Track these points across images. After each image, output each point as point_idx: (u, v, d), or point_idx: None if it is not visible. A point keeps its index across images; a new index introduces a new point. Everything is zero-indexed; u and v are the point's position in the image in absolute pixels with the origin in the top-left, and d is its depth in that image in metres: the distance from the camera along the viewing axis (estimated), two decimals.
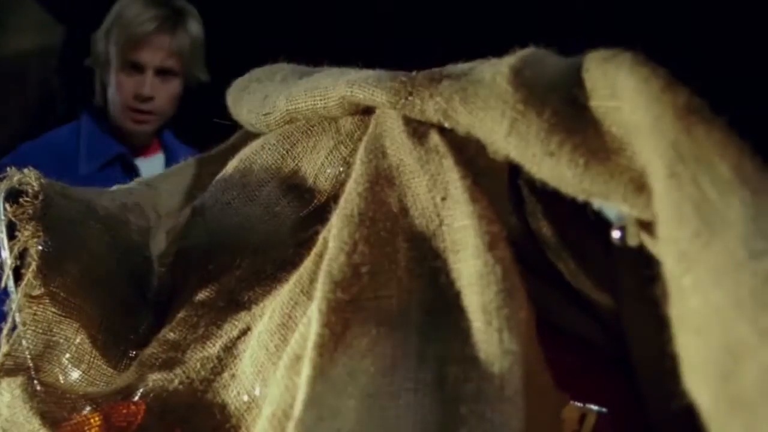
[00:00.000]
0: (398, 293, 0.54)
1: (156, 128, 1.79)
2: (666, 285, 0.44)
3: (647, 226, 0.50)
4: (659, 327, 0.54)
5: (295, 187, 0.70)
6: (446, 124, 0.58)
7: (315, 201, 0.68)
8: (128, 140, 1.79)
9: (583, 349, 0.61)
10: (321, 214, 0.66)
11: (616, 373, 0.61)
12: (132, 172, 1.67)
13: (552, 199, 0.63)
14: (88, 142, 1.74)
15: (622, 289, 0.59)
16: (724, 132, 0.44)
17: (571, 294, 0.64)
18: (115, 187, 0.83)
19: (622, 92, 0.50)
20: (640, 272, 0.59)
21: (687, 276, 0.41)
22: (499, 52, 0.62)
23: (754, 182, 0.41)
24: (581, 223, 0.63)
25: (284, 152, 0.71)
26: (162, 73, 1.71)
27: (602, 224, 0.60)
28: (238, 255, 0.67)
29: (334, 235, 0.56)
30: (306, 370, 0.50)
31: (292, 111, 0.71)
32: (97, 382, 0.66)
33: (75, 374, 0.65)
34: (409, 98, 0.60)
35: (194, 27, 1.72)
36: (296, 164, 0.70)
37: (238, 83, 0.86)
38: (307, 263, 0.59)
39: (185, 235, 0.73)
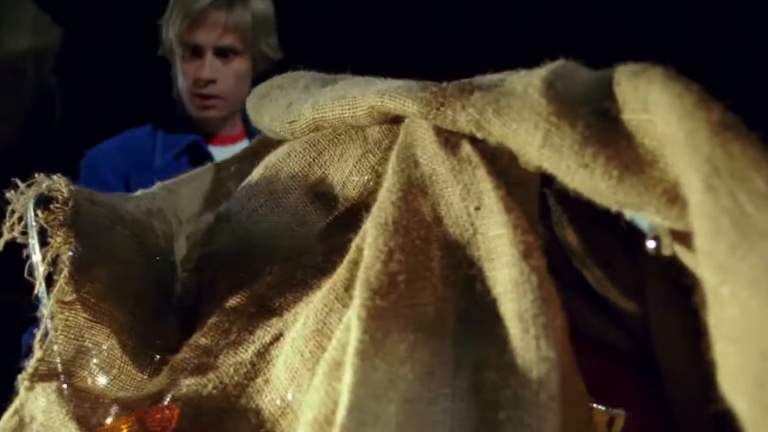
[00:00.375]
0: (434, 301, 0.56)
1: (226, 113, 1.72)
2: (703, 294, 0.46)
3: (680, 236, 0.52)
4: (686, 334, 0.56)
5: (322, 194, 0.72)
6: (478, 135, 0.60)
7: (343, 208, 0.70)
8: (201, 128, 1.75)
9: (608, 355, 0.64)
10: (350, 222, 0.68)
11: (641, 378, 0.63)
12: (205, 161, 1.58)
13: (577, 208, 0.65)
14: (163, 134, 1.73)
15: (649, 297, 0.61)
16: (759, 147, 0.46)
17: (596, 300, 0.66)
18: (139, 192, 0.84)
19: (655, 106, 0.52)
20: (667, 281, 0.61)
21: (724, 286, 0.44)
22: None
23: None
24: (606, 232, 0.65)
25: (311, 160, 0.73)
26: (222, 53, 1.65)
27: (628, 234, 0.62)
28: (267, 261, 0.69)
29: (369, 243, 0.58)
30: (348, 376, 0.51)
31: (318, 119, 0.73)
32: (128, 387, 0.68)
33: (106, 379, 0.67)
34: (441, 109, 0.62)
35: (257, 1, 1.67)
36: (323, 172, 0.72)
37: (259, 90, 0.88)
38: (341, 271, 0.61)
39: (210, 241, 0.75)
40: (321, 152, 0.73)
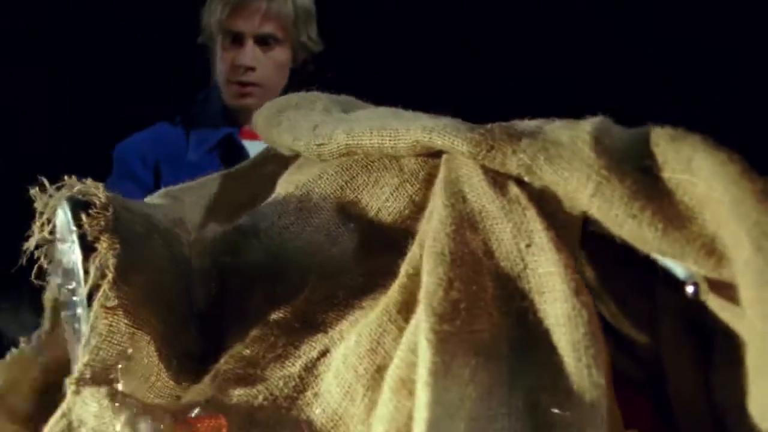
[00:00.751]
0: (489, 327, 0.63)
1: (263, 103, 1.71)
2: (747, 337, 0.56)
3: (711, 284, 0.62)
4: (696, 368, 0.66)
5: (354, 217, 0.77)
6: (527, 179, 0.68)
7: (377, 233, 0.76)
8: (236, 121, 1.74)
9: (622, 383, 0.72)
10: (386, 246, 0.74)
11: (651, 406, 0.72)
12: (238, 155, 1.57)
13: (595, 248, 0.74)
14: (196, 127, 1.73)
15: (663, 333, 0.71)
16: None
17: (609, 332, 0.75)
18: (147, 199, 0.87)
19: (699, 170, 0.61)
20: (680, 320, 0.71)
21: None
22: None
23: None
24: (623, 273, 0.74)
25: (343, 183, 0.79)
26: (263, 41, 1.69)
27: (643, 276, 0.72)
28: (303, 278, 0.74)
29: (428, 272, 0.64)
30: (424, 395, 0.58)
31: (353, 146, 0.78)
32: (163, 395, 0.71)
33: (145, 386, 0.70)
34: (491, 151, 0.69)
35: None
36: (356, 196, 0.78)
37: (271, 106, 0.92)
38: (393, 294, 0.67)
39: (233, 253, 0.79)
40: (354, 177, 0.79)
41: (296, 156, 0.90)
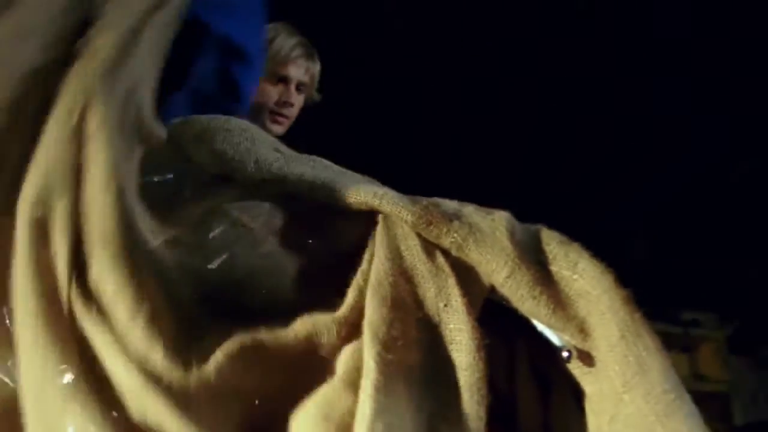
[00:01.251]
0: (412, 361, 0.84)
1: (284, 132, 2.31)
2: (598, 392, 0.82)
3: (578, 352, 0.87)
4: (540, 405, 0.92)
5: (292, 249, 0.95)
6: (454, 253, 0.91)
7: (316, 266, 0.94)
8: None
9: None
10: (324, 279, 0.93)
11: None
12: None
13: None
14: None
15: (517, 378, 0.96)
16: (646, 320, 0.84)
17: None
18: None
19: (584, 272, 0.88)
20: (530, 370, 0.96)
21: (627, 394, 0.79)
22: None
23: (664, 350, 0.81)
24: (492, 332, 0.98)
25: (287, 219, 0.96)
26: (298, 87, 2.35)
27: (507, 336, 0.97)
28: (258, 297, 0.90)
29: (374, 309, 0.85)
30: (371, 404, 0.77)
31: (301, 190, 0.97)
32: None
33: None
34: (430, 226, 0.91)
35: (318, 59, 2.40)
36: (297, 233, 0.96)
37: (201, 121, 1.07)
38: (340, 319, 0.86)
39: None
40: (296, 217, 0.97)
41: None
